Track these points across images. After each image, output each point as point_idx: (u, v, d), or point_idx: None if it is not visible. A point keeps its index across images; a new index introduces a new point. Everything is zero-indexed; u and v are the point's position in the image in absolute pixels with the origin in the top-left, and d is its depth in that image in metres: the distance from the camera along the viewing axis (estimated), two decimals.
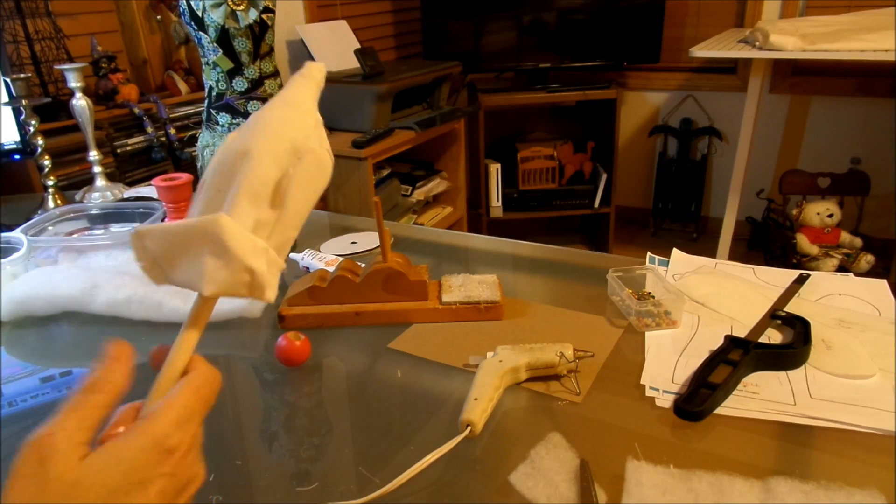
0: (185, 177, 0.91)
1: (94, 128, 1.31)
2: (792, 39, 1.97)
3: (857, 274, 0.84)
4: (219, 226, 0.37)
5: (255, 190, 0.39)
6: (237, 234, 0.37)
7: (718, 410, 0.59)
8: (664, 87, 3.06)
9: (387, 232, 0.76)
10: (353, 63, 2.24)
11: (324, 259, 0.91)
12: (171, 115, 1.73)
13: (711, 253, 2.06)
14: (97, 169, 1.33)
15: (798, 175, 2.64)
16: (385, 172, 2.34)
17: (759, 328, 0.71)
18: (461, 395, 0.60)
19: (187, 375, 0.37)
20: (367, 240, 1.02)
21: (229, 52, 0.86)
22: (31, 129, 1.24)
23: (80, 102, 1.26)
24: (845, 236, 2.53)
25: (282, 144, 0.40)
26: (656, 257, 0.90)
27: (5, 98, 1.26)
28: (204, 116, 0.92)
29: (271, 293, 0.39)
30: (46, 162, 1.26)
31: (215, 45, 0.86)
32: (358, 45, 2.36)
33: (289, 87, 0.43)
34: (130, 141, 1.63)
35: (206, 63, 0.88)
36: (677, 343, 0.70)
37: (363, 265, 0.80)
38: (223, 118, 0.90)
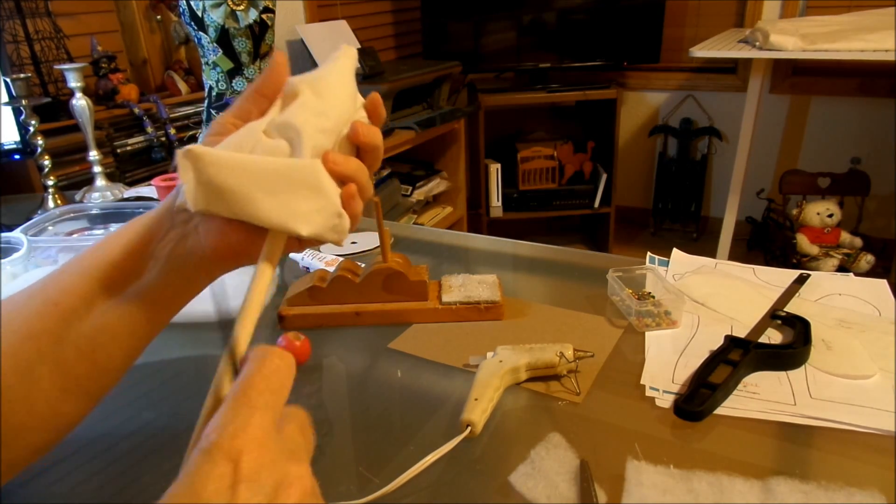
0: None
1: (94, 128, 1.31)
2: (792, 39, 1.97)
3: (857, 274, 0.84)
4: (320, 172, 0.38)
5: (321, 148, 0.40)
6: (330, 180, 0.39)
7: (718, 410, 0.59)
8: (664, 87, 3.06)
9: (387, 232, 0.76)
10: None
11: (324, 259, 0.91)
12: (171, 115, 1.73)
13: (711, 253, 2.06)
14: (97, 169, 1.33)
15: (798, 175, 2.64)
16: (385, 172, 2.34)
17: (759, 328, 0.71)
18: (461, 395, 0.60)
19: (240, 377, 0.30)
20: (367, 240, 1.02)
21: (229, 52, 0.86)
22: (31, 129, 1.24)
23: (80, 102, 1.26)
24: (845, 236, 2.53)
25: (344, 114, 0.42)
26: (656, 257, 0.90)
27: (5, 98, 1.26)
28: (204, 116, 0.92)
29: (345, 238, 0.41)
30: (46, 162, 1.26)
31: (215, 45, 0.86)
32: (358, 45, 2.37)
33: (339, 69, 0.44)
34: (130, 141, 1.63)
35: (206, 63, 0.88)
36: (677, 343, 0.70)
37: (363, 265, 0.80)
38: None
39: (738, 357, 0.63)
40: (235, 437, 0.27)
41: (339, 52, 0.44)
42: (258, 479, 0.26)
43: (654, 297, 0.77)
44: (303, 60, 2.39)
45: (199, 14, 0.84)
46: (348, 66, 0.44)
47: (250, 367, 0.30)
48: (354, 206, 0.40)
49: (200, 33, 0.85)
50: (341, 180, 0.40)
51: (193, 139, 1.76)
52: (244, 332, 0.34)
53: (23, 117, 1.24)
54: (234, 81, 0.88)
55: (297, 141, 0.38)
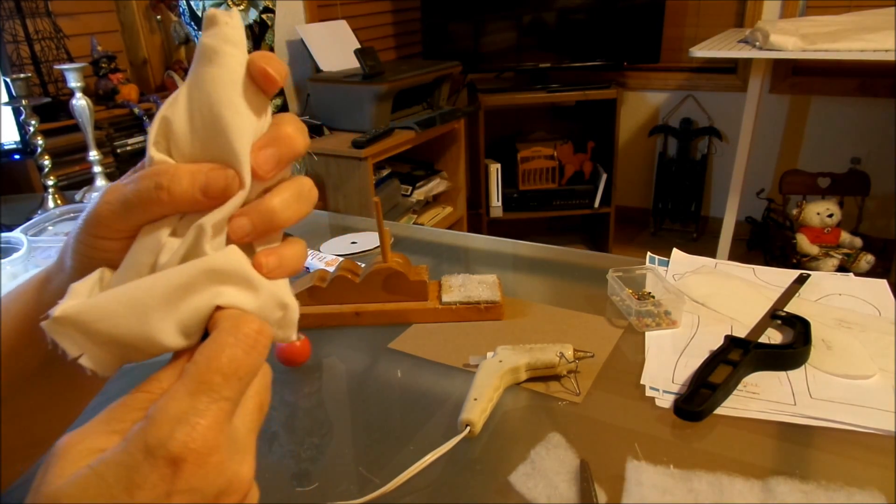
0: None
1: (94, 128, 1.31)
2: (792, 39, 1.97)
3: (857, 274, 0.84)
4: (237, 261, 0.28)
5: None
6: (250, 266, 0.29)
7: (718, 410, 0.59)
8: (664, 87, 3.06)
9: (387, 232, 0.76)
10: (353, 63, 2.24)
11: (324, 259, 0.91)
12: None
13: (711, 253, 2.06)
14: (97, 169, 1.33)
15: (798, 175, 2.64)
16: (385, 172, 2.34)
17: (759, 328, 0.71)
18: (461, 395, 0.60)
19: (205, 342, 0.26)
20: (367, 240, 1.02)
21: None
22: (31, 129, 1.24)
23: (80, 102, 1.26)
24: (845, 236, 2.53)
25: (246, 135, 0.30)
26: (656, 257, 0.90)
27: (5, 98, 1.26)
28: None
29: (295, 331, 0.32)
30: (46, 162, 1.26)
31: None
32: (358, 45, 2.37)
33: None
34: (130, 141, 1.63)
35: None
36: (677, 343, 0.70)
37: (363, 265, 0.80)
38: None
39: (738, 357, 0.63)
40: (184, 440, 0.23)
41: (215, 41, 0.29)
42: (199, 489, 0.23)
43: (654, 297, 0.77)
44: (303, 60, 2.40)
45: (199, 14, 0.84)
46: (229, 70, 0.29)
47: (220, 339, 0.26)
48: (278, 264, 0.30)
49: (200, 33, 0.86)
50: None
51: None
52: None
53: (23, 117, 1.24)
54: None
55: (198, 232, 0.28)
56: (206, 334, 0.28)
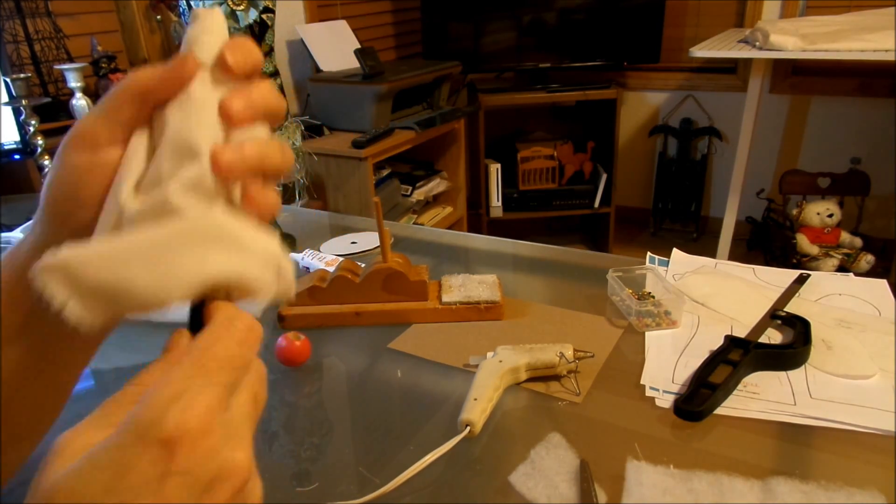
0: None
1: None
2: (792, 39, 1.97)
3: (857, 274, 0.84)
4: (224, 224, 0.29)
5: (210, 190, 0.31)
6: (242, 226, 0.30)
7: (718, 410, 0.59)
8: (664, 87, 3.06)
9: (387, 232, 0.76)
10: (353, 63, 2.24)
11: (324, 259, 0.91)
12: None
13: (711, 253, 2.06)
14: None
15: (798, 175, 2.64)
16: (385, 172, 2.34)
17: (759, 328, 0.71)
18: (461, 395, 0.60)
19: (200, 334, 0.27)
20: (367, 240, 1.02)
21: None
22: (31, 129, 1.24)
23: (80, 102, 1.26)
24: (845, 236, 2.53)
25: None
26: (656, 257, 0.90)
27: (5, 98, 1.26)
28: None
29: (293, 288, 0.33)
30: (46, 162, 1.26)
31: None
32: (358, 45, 2.37)
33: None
34: None
35: None
36: (677, 343, 0.70)
37: (363, 265, 0.80)
38: None
39: (738, 357, 0.63)
40: (178, 420, 0.23)
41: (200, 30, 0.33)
42: (192, 471, 0.23)
43: (654, 297, 0.77)
44: (303, 60, 2.40)
45: None
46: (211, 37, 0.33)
47: (215, 331, 0.26)
48: (262, 201, 0.32)
49: None
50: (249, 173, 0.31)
51: None
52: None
53: (23, 117, 1.24)
54: None
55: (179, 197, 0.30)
56: (197, 325, 0.29)
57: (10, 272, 0.34)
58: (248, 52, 0.32)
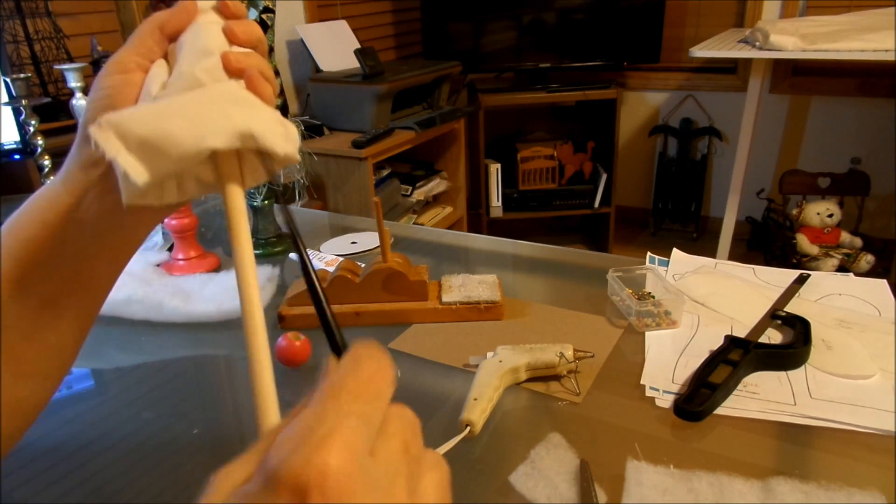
0: None
1: None
2: (792, 39, 1.97)
3: (857, 274, 0.84)
4: (242, 88, 0.37)
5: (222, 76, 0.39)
6: (253, 95, 0.37)
7: (718, 410, 0.59)
8: (664, 87, 3.06)
9: (387, 232, 0.76)
10: (353, 63, 2.24)
11: (324, 259, 0.91)
12: None
13: (711, 253, 2.06)
14: None
15: (798, 175, 2.64)
16: (385, 172, 2.34)
17: (759, 328, 0.71)
18: (461, 395, 0.60)
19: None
20: (367, 240, 1.02)
21: None
22: (31, 129, 1.24)
23: (80, 102, 1.26)
24: (845, 236, 2.53)
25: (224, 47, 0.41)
26: (656, 257, 0.90)
27: (5, 98, 1.26)
28: None
29: (297, 149, 0.38)
30: (46, 162, 1.26)
31: None
32: (358, 45, 2.36)
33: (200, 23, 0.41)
34: None
35: None
36: (677, 343, 0.70)
37: (363, 265, 0.80)
38: None
39: (738, 357, 0.63)
40: (311, 460, 0.19)
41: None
42: None
43: (654, 297, 0.77)
44: (303, 60, 2.40)
45: None
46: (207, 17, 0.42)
47: (341, 369, 0.24)
48: (263, 88, 0.38)
49: None
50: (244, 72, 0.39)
51: None
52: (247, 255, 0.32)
53: (23, 117, 1.24)
54: None
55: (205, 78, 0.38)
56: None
57: (68, 179, 0.41)
58: (238, 2, 0.42)
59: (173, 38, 0.40)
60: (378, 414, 0.23)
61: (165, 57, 0.40)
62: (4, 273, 0.39)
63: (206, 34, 0.39)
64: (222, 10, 0.41)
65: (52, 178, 1.25)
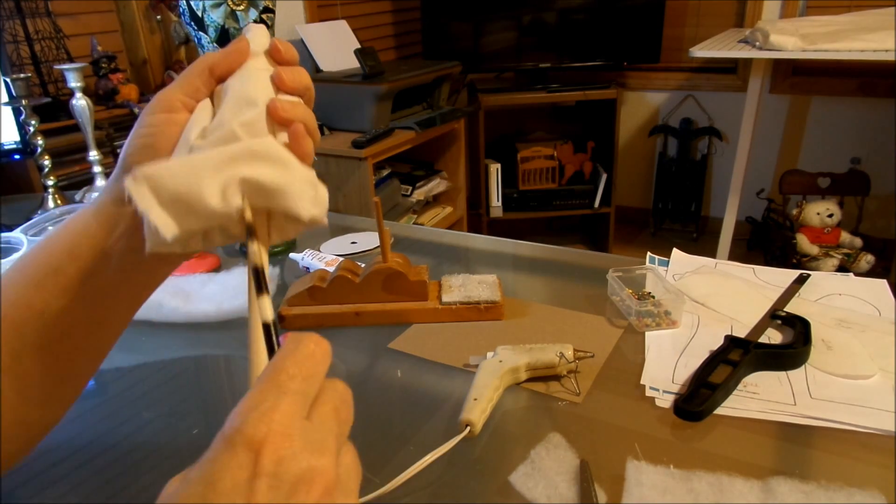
0: None
1: (94, 128, 1.31)
2: (792, 39, 1.97)
3: (857, 274, 0.84)
4: (277, 145, 0.36)
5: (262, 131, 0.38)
6: (290, 153, 0.37)
7: (718, 410, 0.59)
8: (664, 87, 3.06)
9: (387, 232, 0.76)
10: (353, 63, 2.24)
11: (324, 259, 0.91)
12: None
13: (711, 253, 2.06)
14: (97, 169, 1.33)
15: (798, 175, 2.64)
16: (385, 172, 2.34)
17: (759, 328, 0.71)
18: (461, 395, 0.60)
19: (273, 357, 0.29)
20: (367, 240, 1.02)
21: None
22: (31, 129, 1.24)
23: (80, 102, 1.26)
24: (845, 236, 2.53)
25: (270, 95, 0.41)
26: (656, 257, 0.90)
27: (5, 98, 1.26)
28: None
29: (325, 212, 0.38)
30: (46, 162, 1.26)
31: (215, 45, 0.86)
32: (358, 45, 2.36)
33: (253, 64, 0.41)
34: None
35: None
36: (677, 343, 0.70)
37: (363, 265, 0.80)
38: None
39: (738, 357, 0.63)
40: (259, 424, 0.25)
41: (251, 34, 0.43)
42: (278, 473, 0.24)
43: (654, 297, 0.77)
44: (303, 60, 2.39)
45: (199, 14, 0.84)
46: (260, 47, 0.43)
47: (283, 351, 0.29)
48: (305, 144, 0.39)
49: (200, 33, 0.85)
50: (289, 124, 0.39)
51: None
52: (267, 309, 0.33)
53: (23, 117, 1.24)
54: None
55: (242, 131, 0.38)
56: (273, 345, 0.32)
57: (101, 211, 0.40)
58: (290, 46, 0.42)
59: (222, 79, 0.40)
60: (312, 389, 0.28)
61: (211, 97, 0.40)
62: (27, 300, 0.38)
63: (254, 82, 0.39)
64: (274, 55, 0.42)
65: (51, 178, 1.25)
